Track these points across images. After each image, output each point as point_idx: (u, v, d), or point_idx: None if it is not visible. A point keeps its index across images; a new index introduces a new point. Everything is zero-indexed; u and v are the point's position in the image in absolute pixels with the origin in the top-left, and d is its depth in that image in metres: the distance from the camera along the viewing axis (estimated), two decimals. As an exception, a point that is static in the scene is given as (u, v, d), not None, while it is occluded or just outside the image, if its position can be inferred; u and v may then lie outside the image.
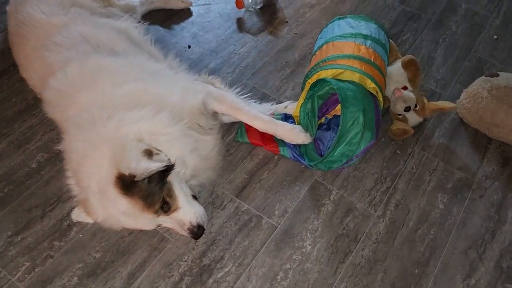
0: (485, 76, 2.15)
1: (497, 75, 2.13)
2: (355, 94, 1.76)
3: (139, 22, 2.30)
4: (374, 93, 1.88)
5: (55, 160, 1.87)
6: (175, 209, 1.58)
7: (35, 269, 1.61)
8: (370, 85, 1.85)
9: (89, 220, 1.64)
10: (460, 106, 2.15)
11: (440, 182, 1.95)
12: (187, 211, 1.60)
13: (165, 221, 1.59)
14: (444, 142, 2.09)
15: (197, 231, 1.60)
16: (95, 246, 1.68)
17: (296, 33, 2.51)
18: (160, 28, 2.49)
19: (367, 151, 1.94)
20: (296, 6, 2.68)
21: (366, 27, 2.01)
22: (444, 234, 1.80)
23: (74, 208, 1.68)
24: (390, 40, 2.23)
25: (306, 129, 1.90)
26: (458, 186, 1.95)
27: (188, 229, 1.60)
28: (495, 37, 2.60)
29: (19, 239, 1.68)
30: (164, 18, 2.54)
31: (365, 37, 1.96)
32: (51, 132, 1.97)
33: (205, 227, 1.62)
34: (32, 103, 2.06)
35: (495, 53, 2.51)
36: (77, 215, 1.67)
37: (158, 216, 1.55)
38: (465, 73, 2.39)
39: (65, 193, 1.76)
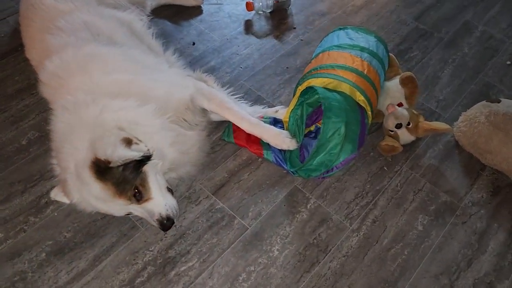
0: (486, 101, 2.10)
1: (499, 101, 2.07)
2: (340, 105, 1.75)
3: (147, 15, 2.36)
4: (364, 106, 1.86)
5: (45, 139, 1.93)
6: (147, 199, 1.61)
7: (7, 241, 1.68)
8: (359, 97, 1.83)
9: (66, 201, 1.68)
10: (456, 128, 2.10)
11: (423, 204, 1.91)
12: (159, 203, 1.63)
13: (135, 209, 1.62)
14: (434, 164, 2.05)
15: (165, 223, 1.63)
16: (67, 225, 1.73)
17: (302, 40, 2.51)
18: (168, 22, 2.54)
19: (349, 164, 1.93)
20: (306, 14, 2.68)
21: (364, 40, 1.99)
22: (418, 256, 1.76)
23: (54, 187, 1.73)
24: (392, 55, 2.21)
25: (294, 135, 1.89)
26: (442, 209, 1.90)
27: (157, 220, 1.62)
28: (508, 62, 2.52)
29: (-3, 210, 1.76)
30: (174, 14, 2.58)
31: (362, 49, 1.94)
32: (46, 112, 2.02)
33: (175, 220, 1.65)
34: (33, 83, 2.13)
35: (505, 79, 2.43)
36: (56, 194, 1.72)
37: (130, 203, 1.58)
38: (469, 96, 2.33)
39: (48, 172, 1.82)
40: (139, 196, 1.58)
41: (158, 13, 2.53)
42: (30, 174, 1.85)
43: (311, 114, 1.98)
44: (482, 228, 1.86)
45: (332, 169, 1.84)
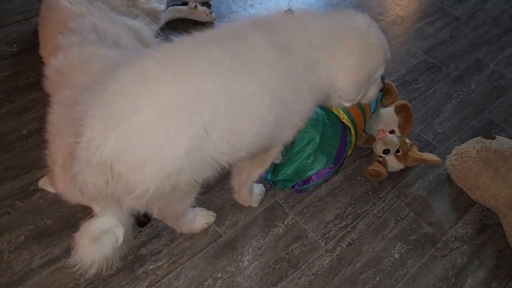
0: (481, 137, 2.07)
1: (493, 138, 2.04)
2: (318, 117, 1.80)
3: (160, 27, 2.47)
4: (347, 125, 1.88)
5: (44, 131, 2.03)
6: None
7: (-8, 221, 1.77)
8: (343, 116, 1.86)
9: (52, 190, 1.76)
10: (448, 162, 2.08)
11: (404, 232, 1.89)
12: None
13: (114, 204, 1.69)
14: (422, 194, 2.02)
15: (142, 219, 1.70)
16: (49, 213, 1.80)
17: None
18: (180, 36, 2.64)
19: (325, 177, 1.91)
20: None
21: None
22: (390, 284, 1.73)
23: (44, 176, 1.81)
24: (391, 83, 2.23)
25: (280, 149, 1.93)
26: (422, 240, 1.87)
27: (134, 215, 1.69)
28: (517, 102, 2.49)
29: (-13, 192, 1.86)
30: (187, 27, 2.66)
31: (355, 73, 1.97)
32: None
33: (151, 218, 1.71)
34: (43, 79, 2.26)
35: (510, 119, 2.39)
36: (44, 183, 1.80)
37: None
38: (469, 132, 2.30)
39: (41, 162, 1.90)
40: (118, 191, 1.65)
41: (172, 26, 2.64)
42: (25, 162, 1.95)
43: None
44: (462, 263, 1.82)
45: (309, 181, 1.86)
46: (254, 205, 1.88)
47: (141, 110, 1.16)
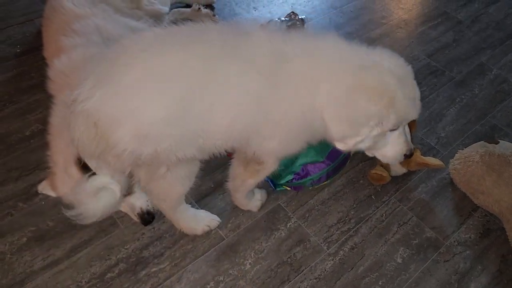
0: (484, 141, 2.07)
1: (497, 143, 2.04)
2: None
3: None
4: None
5: (46, 133, 2.04)
6: (129, 193, 1.68)
7: (-6, 223, 1.77)
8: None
9: (52, 194, 1.76)
10: (451, 166, 2.07)
11: (407, 237, 1.88)
12: (140, 197, 1.71)
13: (119, 203, 1.70)
14: (425, 199, 2.02)
15: (146, 217, 1.71)
16: (51, 215, 1.80)
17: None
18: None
19: (323, 174, 1.92)
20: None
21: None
22: (392, 288, 1.73)
23: (45, 178, 1.81)
24: (393, 86, 2.22)
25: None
26: (425, 245, 1.87)
27: (138, 214, 1.71)
28: (520, 106, 2.49)
29: (-11, 193, 1.85)
30: (190, 30, 2.69)
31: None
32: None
33: (155, 216, 1.72)
34: (46, 81, 2.26)
35: (513, 124, 2.40)
36: (43, 187, 1.80)
37: None
38: (472, 136, 2.30)
39: (44, 163, 1.90)
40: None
41: (175, 27, 2.65)
42: (27, 163, 1.95)
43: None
44: (465, 268, 1.81)
45: (306, 175, 1.87)
46: (254, 210, 1.87)
47: (128, 74, 1.25)
